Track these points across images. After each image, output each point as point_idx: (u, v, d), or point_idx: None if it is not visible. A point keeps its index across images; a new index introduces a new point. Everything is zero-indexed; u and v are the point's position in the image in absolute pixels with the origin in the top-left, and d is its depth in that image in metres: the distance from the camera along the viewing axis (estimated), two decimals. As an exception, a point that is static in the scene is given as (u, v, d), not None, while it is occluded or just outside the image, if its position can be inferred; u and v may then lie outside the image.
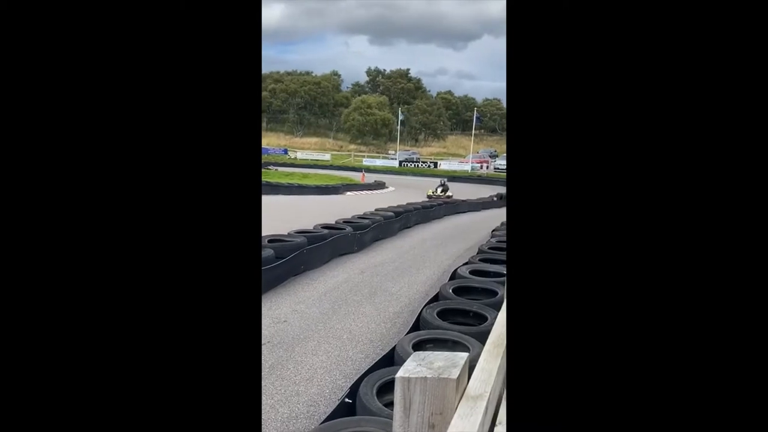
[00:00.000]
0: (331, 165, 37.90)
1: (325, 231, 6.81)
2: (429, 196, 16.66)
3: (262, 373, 3.07)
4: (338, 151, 46.25)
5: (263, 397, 2.77)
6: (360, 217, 8.60)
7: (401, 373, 0.96)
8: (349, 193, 19.40)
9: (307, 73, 54.91)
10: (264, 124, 52.20)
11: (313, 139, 50.55)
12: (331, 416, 2.28)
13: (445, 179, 19.86)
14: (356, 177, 26.74)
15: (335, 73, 56.55)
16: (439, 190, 17.70)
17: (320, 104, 51.83)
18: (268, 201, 14.63)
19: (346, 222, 7.90)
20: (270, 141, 47.48)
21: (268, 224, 8.65)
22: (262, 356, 3.33)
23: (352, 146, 47.83)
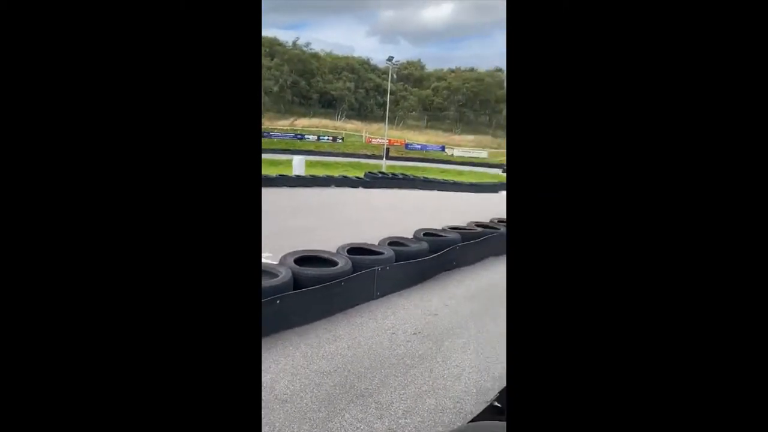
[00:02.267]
0: (488, 163, 37.15)
1: (479, 229, 6.70)
2: None
3: (412, 362, 3.16)
4: (496, 149, 45.09)
5: (412, 386, 2.85)
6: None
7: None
8: (503, 192, 18.78)
9: (471, 70, 54.51)
10: (424, 122, 53.63)
11: (471, 137, 50.15)
12: (479, 417, 2.23)
13: None
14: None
15: (499, 70, 55.03)
16: None
17: (481, 101, 51.11)
18: (423, 195, 15.03)
19: (501, 222, 7.65)
20: (429, 138, 48.55)
21: (421, 218, 8.87)
22: (412, 345, 3.43)
23: (511, 144, 46.03)
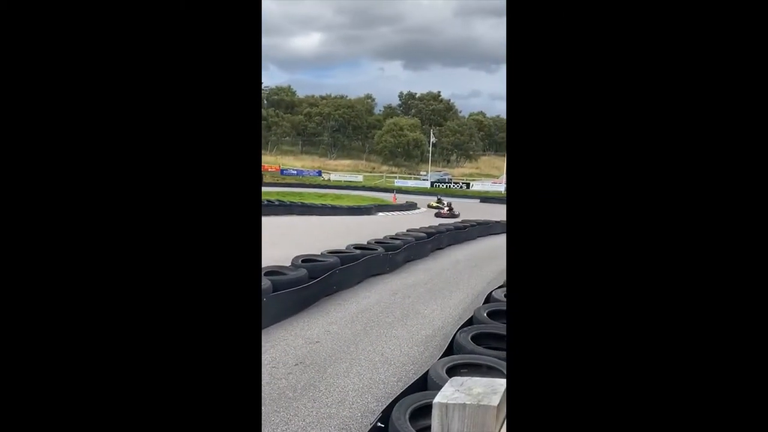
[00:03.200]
0: (363, 186, 38.24)
1: (358, 251, 6.82)
2: (429, 206, 21.07)
3: (294, 394, 3.06)
4: (371, 172, 46.71)
5: (296, 419, 2.75)
6: (392, 238, 8.59)
7: (439, 398, 0.93)
8: (381, 213, 19.47)
9: (342, 97, 56.10)
10: (299, 147, 53.46)
11: (347, 161, 51.30)
12: (363, 441, 2.23)
13: (447, 199, 22.79)
14: (388, 198, 26.86)
15: (369, 97, 57.59)
16: (434, 203, 22.03)
17: (354, 127, 52.72)
18: (300, 221, 14.86)
19: (378, 242, 7.90)
20: (305, 163, 48.46)
21: (300, 244, 8.76)
22: (294, 376, 3.33)
23: (384, 167, 48.24)
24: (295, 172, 42.97)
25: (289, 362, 3.59)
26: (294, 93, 57.30)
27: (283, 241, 9.75)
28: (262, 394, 3.00)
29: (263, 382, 3.19)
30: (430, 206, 21.64)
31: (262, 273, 5.00)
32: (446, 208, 19.98)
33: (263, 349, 3.82)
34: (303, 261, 5.80)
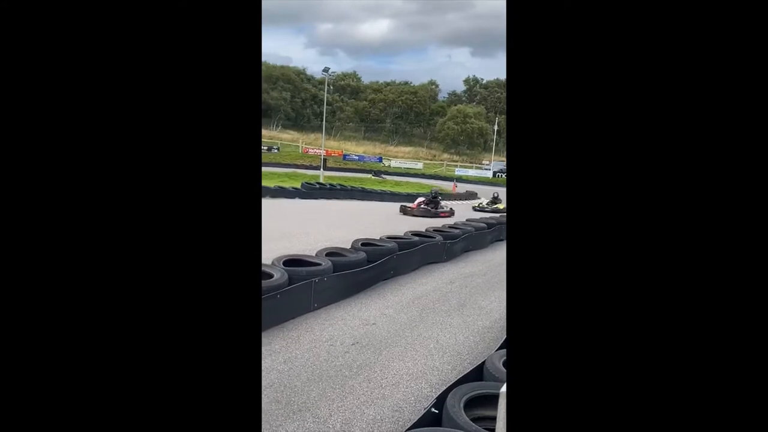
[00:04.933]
0: (423, 174, 38.01)
1: (416, 238, 6.83)
2: (475, 209, 16.56)
3: (350, 373, 3.13)
4: (431, 160, 46.33)
5: (351, 397, 2.83)
6: (450, 227, 8.50)
7: (505, 389, 0.92)
8: (442, 202, 19.28)
9: (406, 83, 55.79)
10: (362, 133, 53.95)
11: (407, 148, 51.17)
12: (417, 424, 2.25)
13: (497, 193, 17.77)
14: (448, 187, 26.55)
15: (433, 83, 56.83)
16: (485, 202, 17.29)
17: (416, 113, 52.38)
18: (360, 206, 15.06)
19: (437, 231, 7.85)
20: (366, 149, 48.88)
21: (360, 228, 8.88)
22: (350, 356, 3.41)
23: (445, 155, 47.64)
24: (357, 157, 43.52)
25: (346, 341, 3.68)
26: (359, 79, 57.73)
27: (343, 224, 9.95)
28: (319, 371, 3.11)
29: (321, 359, 3.30)
30: (475, 209, 16.49)
31: (324, 253, 5.14)
32: (486, 203, 16.74)
33: (322, 327, 3.95)
34: (362, 244, 5.89)
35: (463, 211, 14.42)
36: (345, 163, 39.67)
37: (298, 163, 35.37)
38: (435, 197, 14.03)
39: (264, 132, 47.11)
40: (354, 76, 58.10)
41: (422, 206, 13.21)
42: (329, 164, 33.63)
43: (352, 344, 3.63)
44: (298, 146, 44.53)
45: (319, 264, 4.68)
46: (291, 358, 3.29)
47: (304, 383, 2.93)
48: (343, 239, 6.38)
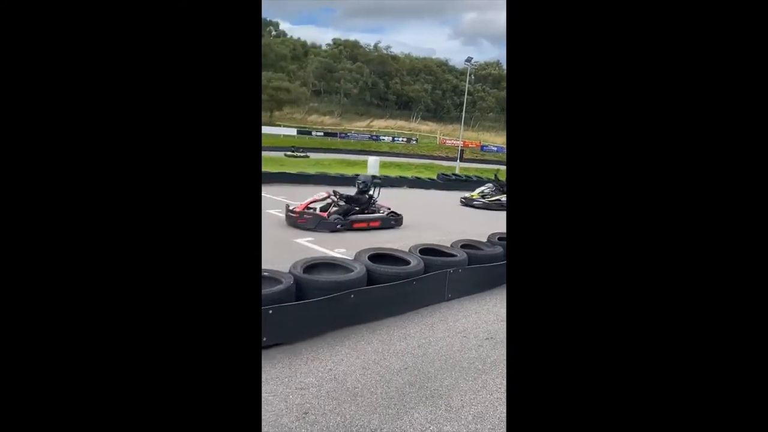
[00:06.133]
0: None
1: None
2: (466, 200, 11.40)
3: (484, 367, 3.09)
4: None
5: (484, 391, 2.79)
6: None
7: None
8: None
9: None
10: (501, 124, 52.19)
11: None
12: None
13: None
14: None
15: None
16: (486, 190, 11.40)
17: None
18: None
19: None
20: (505, 139, 47.16)
21: (498, 224, 8.61)
22: (484, 350, 3.35)
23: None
24: (495, 148, 42.25)
25: (480, 335, 3.63)
26: (501, 68, 55.75)
27: (480, 218, 9.77)
28: (452, 361, 3.12)
29: (454, 349, 3.31)
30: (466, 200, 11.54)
31: (459, 245, 5.12)
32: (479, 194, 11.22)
33: (455, 318, 3.95)
34: (499, 239, 5.72)
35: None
36: (482, 155, 38.81)
37: (435, 155, 35.68)
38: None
39: (403, 124, 48.55)
40: (496, 65, 56.34)
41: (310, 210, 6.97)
42: (466, 155, 33.26)
43: (486, 338, 3.57)
44: (436, 137, 44.87)
45: (454, 255, 4.68)
46: (425, 344, 3.37)
47: (438, 371, 2.97)
48: (478, 233, 6.27)
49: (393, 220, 7.67)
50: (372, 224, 7.36)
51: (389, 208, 7.82)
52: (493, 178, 12.60)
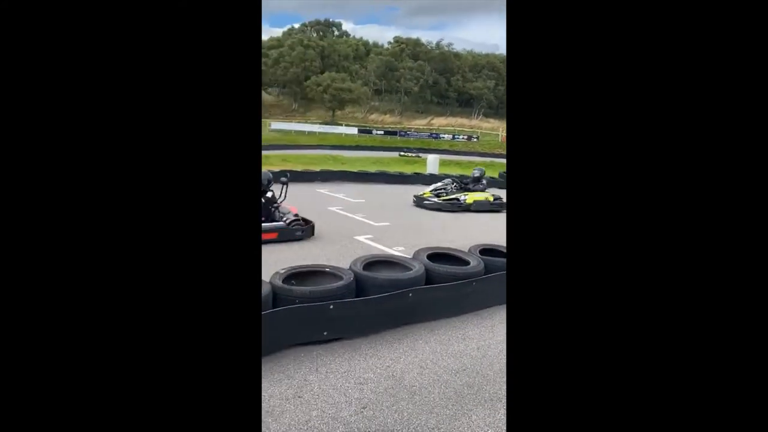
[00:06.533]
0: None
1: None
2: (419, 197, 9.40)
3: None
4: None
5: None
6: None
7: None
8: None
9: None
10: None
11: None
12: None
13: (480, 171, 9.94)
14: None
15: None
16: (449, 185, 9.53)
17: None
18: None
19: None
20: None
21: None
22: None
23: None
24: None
25: (541, 340, 3.51)
26: (570, 62, 53.28)
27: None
28: (487, 363, 3.04)
29: (490, 353, 3.22)
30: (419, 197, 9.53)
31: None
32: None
33: (488, 324, 3.84)
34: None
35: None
36: (547, 153, 37.27)
37: (496, 152, 34.82)
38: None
39: (464, 121, 47.79)
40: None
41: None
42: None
43: (549, 344, 3.45)
44: (498, 135, 43.80)
45: (516, 256, 4.55)
46: (484, 346, 3.31)
47: (497, 374, 2.91)
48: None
49: (299, 231, 5.62)
50: (268, 236, 5.22)
51: (296, 215, 5.74)
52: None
